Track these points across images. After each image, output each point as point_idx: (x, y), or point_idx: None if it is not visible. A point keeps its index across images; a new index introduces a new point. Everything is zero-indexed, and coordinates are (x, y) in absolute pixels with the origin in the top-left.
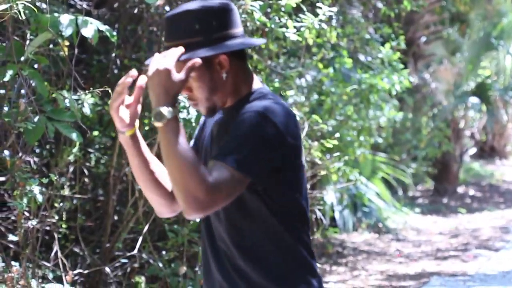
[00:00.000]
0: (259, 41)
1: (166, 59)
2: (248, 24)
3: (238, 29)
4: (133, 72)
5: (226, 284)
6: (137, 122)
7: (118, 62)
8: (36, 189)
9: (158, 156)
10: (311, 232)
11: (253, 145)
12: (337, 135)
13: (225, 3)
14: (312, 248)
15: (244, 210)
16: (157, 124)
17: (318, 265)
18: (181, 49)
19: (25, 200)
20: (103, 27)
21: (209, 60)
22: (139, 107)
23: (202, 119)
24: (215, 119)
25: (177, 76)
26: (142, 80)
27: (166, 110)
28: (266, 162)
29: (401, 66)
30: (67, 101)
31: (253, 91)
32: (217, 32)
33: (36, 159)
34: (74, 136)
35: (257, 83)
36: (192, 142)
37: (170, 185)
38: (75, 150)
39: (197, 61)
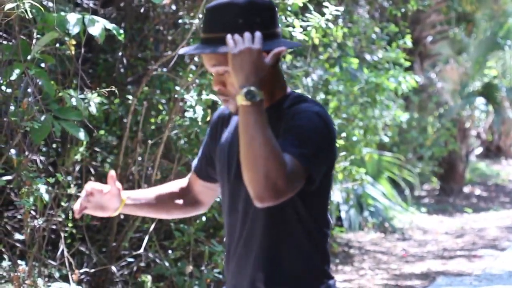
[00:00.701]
0: (296, 43)
1: (256, 40)
2: None
3: (278, 29)
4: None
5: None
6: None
7: (125, 61)
8: (42, 188)
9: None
10: None
11: (315, 142)
12: (343, 134)
13: (269, 1)
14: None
15: (272, 210)
16: (246, 103)
17: None
18: (259, 35)
19: (31, 199)
20: (110, 26)
21: None
22: (118, 187)
23: (214, 119)
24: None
25: (266, 59)
26: (112, 173)
27: (256, 90)
28: (324, 162)
29: (408, 64)
30: (73, 100)
31: (288, 94)
32: (260, 29)
33: (42, 158)
34: (81, 134)
35: (287, 86)
36: (204, 141)
37: (180, 203)
38: (81, 149)
39: (283, 49)
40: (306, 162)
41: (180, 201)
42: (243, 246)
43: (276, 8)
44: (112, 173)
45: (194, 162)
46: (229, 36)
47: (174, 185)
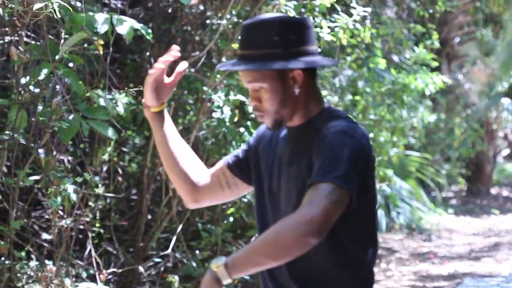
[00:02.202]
0: (333, 61)
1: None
2: None
3: (314, 46)
4: (175, 51)
5: None
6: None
7: (152, 61)
8: (70, 188)
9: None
10: None
11: (347, 162)
12: (371, 135)
13: (304, 18)
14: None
15: None
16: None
17: None
18: None
19: (59, 199)
20: (138, 25)
21: (284, 73)
22: (173, 90)
23: (261, 129)
24: (280, 134)
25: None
26: (183, 66)
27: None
28: (358, 179)
29: (435, 64)
30: (101, 100)
31: (323, 110)
32: (295, 46)
33: (70, 158)
34: (109, 133)
35: (323, 101)
36: (245, 146)
37: (192, 171)
38: (109, 149)
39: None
40: (343, 183)
41: (193, 171)
42: None
43: (312, 26)
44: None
45: (228, 156)
46: None
47: (197, 160)
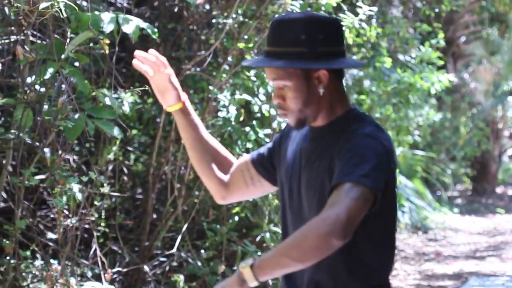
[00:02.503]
0: (360, 62)
1: None
2: None
3: (342, 47)
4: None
5: None
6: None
7: None
8: (75, 187)
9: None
10: None
11: (372, 162)
12: None
13: (334, 18)
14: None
15: None
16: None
17: None
18: None
19: (64, 198)
20: (144, 24)
21: (309, 73)
22: (175, 86)
23: (286, 128)
24: (303, 134)
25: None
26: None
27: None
28: (383, 180)
29: (441, 63)
30: (107, 99)
31: (348, 111)
32: (322, 46)
33: (75, 157)
34: (115, 132)
35: (349, 103)
36: (270, 144)
37: (219, 168)
38: (114, 148)
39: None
40: (368, 182)
41: (219, 168)
42: None
43: (341, 26)
44: (151, 51)
45: (254, 152)
46: None
47: (224, 151)
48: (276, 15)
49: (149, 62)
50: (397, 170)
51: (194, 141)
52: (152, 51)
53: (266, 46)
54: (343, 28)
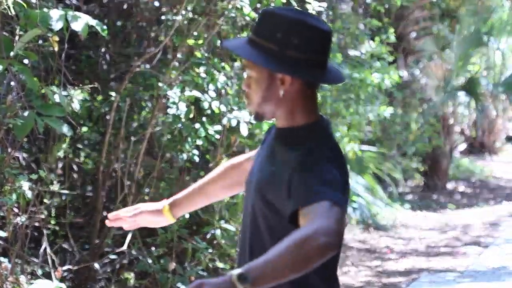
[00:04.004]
0: (336, 79)
1: None
2: (237, 19)
3: (321, 57)
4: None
5: None
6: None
7: (108, 57)
8: (25, 185)
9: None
10: None
11: (333, 176)
12: None
13: (321, 28)
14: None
15: (276, 238)
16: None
17: None
18: None
19: (14, 196)
20: (93, 22)
21: (273, 72)
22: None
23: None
24: (272, 135)
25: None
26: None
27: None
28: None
29: (391, 58)
30: (56, 96)
31: (310, 124)
32: (294, 50)
33: (25, 155)
34: (64, 129)
35: (316, 115)
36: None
37: (224, 184)
38: (64, 146)
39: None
40: (336, 198)
41: (224, 181)
42: (249, 257)
43: (328, 38)
44: (110, 216)
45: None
46: None
47: (219, 169)
48: (225, 11)
49: (121, 222)
50: (348, 166)
51: (204, 201)
52: (114, 215)
53: (251, 33)
54: (330, 40)
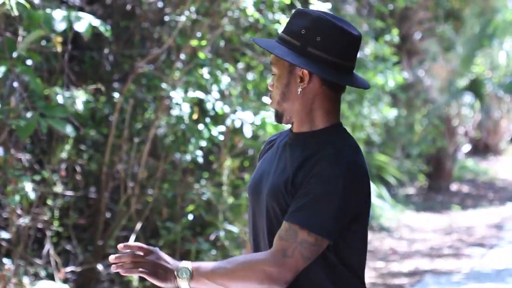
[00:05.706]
0: (360, 84)
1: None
2: (241, 20)
3: (343, 61)
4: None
5: None
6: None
7: (111, 58)
8: (28, 186)
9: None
10: None
11: (331, 203)
12: None
13: (349, 31)
14: None
15: None
16: (182, 282)
17: None
18: None
19: (17, 197)
20: (96, 22)
21: (294, 67)
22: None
23: (274, 135)
24: (284, 140)
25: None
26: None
27: (186, 268)
28: (344, 219)
29: (395, 59)
30: (59, 97)
31: (329, 127)
32: (316, 48)
33: (28, 156)
34: (68, 130)
35: (336, 119)
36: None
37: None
38: (67, 147)
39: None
40: (320, 231)
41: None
42: None
43: (354, 42)
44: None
45: None
46: None
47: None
48: (229, 12)
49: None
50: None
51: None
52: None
53: (282, 31)
54: (357, 45)
